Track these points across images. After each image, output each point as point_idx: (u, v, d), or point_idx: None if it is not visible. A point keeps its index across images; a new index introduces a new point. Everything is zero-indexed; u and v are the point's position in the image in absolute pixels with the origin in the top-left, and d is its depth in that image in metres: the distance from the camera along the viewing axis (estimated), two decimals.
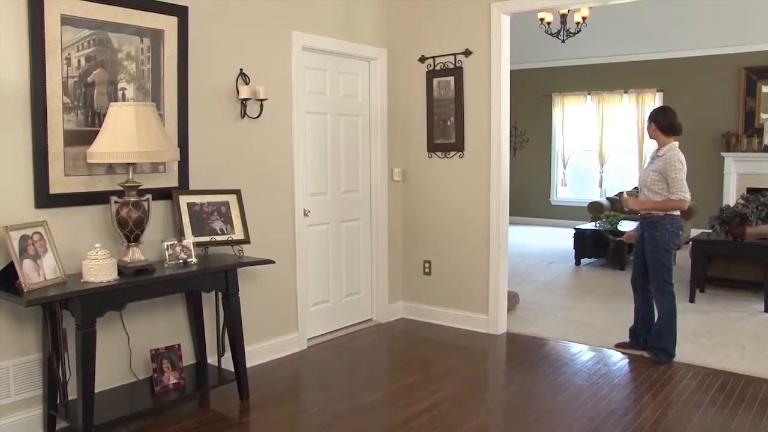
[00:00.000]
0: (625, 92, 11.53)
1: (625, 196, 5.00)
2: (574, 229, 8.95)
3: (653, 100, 11.22)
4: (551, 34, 8.65)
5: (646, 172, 4.87)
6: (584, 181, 12.39)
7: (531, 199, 12.51)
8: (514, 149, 11.72)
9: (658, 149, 4.80)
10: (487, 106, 5.41)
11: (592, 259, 8.86)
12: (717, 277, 7.02)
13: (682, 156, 4.71)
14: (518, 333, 5.54)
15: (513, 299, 6.18)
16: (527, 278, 7.74)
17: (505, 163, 5.47)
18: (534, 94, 12.20)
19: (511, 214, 5.71)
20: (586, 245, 8.71)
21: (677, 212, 4.74)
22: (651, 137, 4.93)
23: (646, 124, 4.97)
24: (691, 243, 6.92)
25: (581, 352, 5.03)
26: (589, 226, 9.07)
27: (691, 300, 6.51)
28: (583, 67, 11.78)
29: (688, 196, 4.62)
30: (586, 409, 3.94)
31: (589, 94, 11.96)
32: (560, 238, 10.59)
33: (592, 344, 5.20)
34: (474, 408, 4.04)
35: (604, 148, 11.93)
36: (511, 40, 5.46)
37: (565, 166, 12.52)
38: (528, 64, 11.75)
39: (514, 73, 5.55)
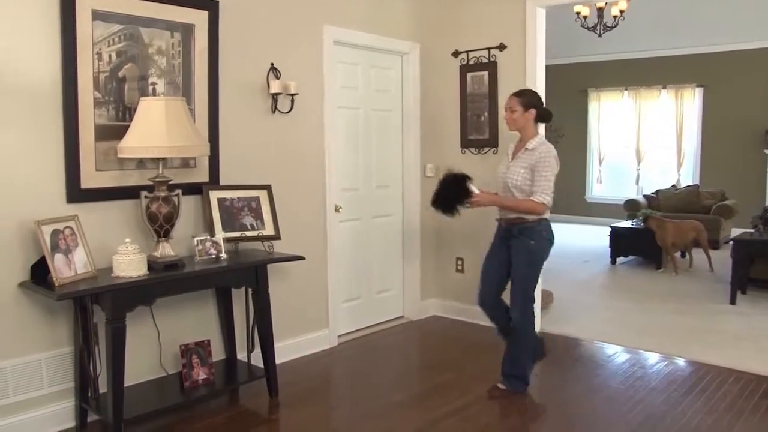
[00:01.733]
0: (664, 88, 11.28)
1: (477, 192, 4.03)
2: (610, 227, 8.79)
3: (693, 96, 10.97)
4: (588, 28, 8.48)
5: (512, 169, 4.01)
6: (621, 178, 12.15)
7: (566, 196, 12.24)
8: None
9: (526, 141, 4.01)
10: None
11: (629, 258, 8.68)
12: (760, 278, 6.80)
13: (556, 152, 4.01)
14: (552, 332, 5.43)
15: (547, 298, 6.06)
16: (562, 276, 7.60)
17: None
18: (569, 90, 11.99)
19: None
20: (622, 244, 8.54)
21: (546, 215, 4.04)
22: (517, 127, 4.05)
23: (506, 110, 4.07)
24: (732, 243, 6.71)
25: (617, 354, 4.90)
26: (626, 224, 8.89)
27: (732, 302, 6.32)
28: (621, 62, 11.54)
29: (550, 201, 3.90)
30: (622, 413, 3.83)
31: (626, 89, 11.72)
32: (595, 236, 10.39)
33: (628, 345, 5.07)
34: (506, 410, 3.96)
35: (642, 144, 11.69)
36: (546, 34, 5.35)
37: (600, 162, 12.30)
38: (563, 59, 11.54)
39: (548, 69, 5.42)
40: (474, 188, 4.02)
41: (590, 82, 12.10)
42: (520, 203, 3.95)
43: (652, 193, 10.59)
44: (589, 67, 11.99)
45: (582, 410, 3.92)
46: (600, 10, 8.25)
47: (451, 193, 4.07)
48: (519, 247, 3.99)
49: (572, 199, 12.42)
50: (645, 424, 3.67)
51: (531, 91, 4.19)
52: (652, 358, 4.80)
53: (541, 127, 4.26)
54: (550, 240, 4.04)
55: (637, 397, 4.04)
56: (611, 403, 3.99)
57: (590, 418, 3.82)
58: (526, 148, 3.99)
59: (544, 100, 5.26)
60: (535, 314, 4.14)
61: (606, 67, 11.78)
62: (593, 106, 12.24)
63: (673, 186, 10.76)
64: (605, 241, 8.86)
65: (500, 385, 4.14)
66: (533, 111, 4.00)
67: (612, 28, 8.35)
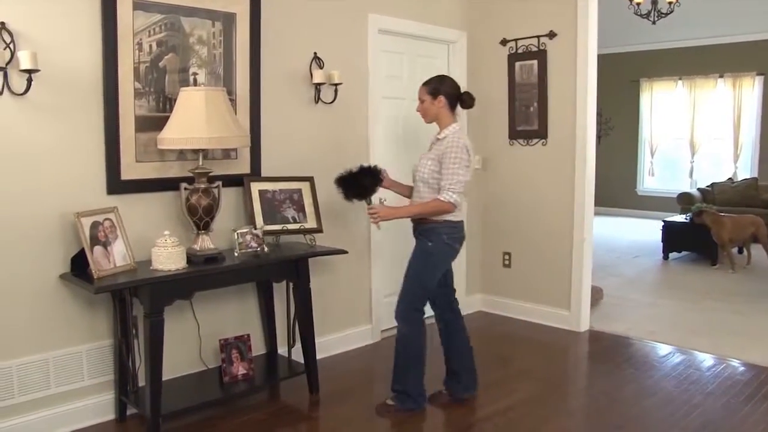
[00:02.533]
0: (721, 77, 10.84)
1: (373, 204, 3.73)
2: (663, 221, 8.50)
3: (752, 85, 10.53)
4: (641, 15, 8.18)
5: (421, 161, 3.69)
6: (673, 170, 11.77)
7: (616, 188, 11.96)
8: (598, 137, 11.23)
9: (439, 132, 3.69)
10: (573, 92, 5.12)
11: (682, 254, 8.38)
12: None
13: (469, 143, 3.62)
14: (602, 331, 5.25)
15: (596, 294, 5.87)
16: (612, 272, 7.38)
17: (591, 152, 5.16)
18: (620, 80, 11.62)
19: (594, 204, 5.39)
20: (675, 238, 8.25)
21: (456, 217, 3.62)
22: (430, 118, 3.71)
23: (420, 99, 3.72)
24: None
25: (670, 354, 4.69)
26: (679, 218, 8.59)
27: None
28: (675, 50, 11.13)
29: (457, 198, 3.49)
30: (677, 418, 3.64)
31: (680, 79, 11.33)
32: (647, 231, 10.10)
33: (681, 346, 4.84)
34: (553, 410, 3.81)
35: (696, 136, 11.28)
36: (598, 22, 5.13)
37: (653, 154, 11.93)
38: (614, 48, 11.19)
39: (599, 58, 5.21)
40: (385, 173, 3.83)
41: (642, 72, 11.73)
42: (425, 207, 3.58)
43: (707, 186, 10.22)
44: (641, 56, 11.61)
45: (634, 413, 3.74)
46: None
47: (361, 183, 3.77)
48: (416, 248, 3.70)
49: (623, 191, 12.09)
50: (702, 431, 3.48)
51: (439, 76, 3.80)
52: (708, 360, 4.57)
53: (463, 117, 3.85)
54: (450, 245, 3.65)
55: (694, 402, 3.84)
56: (666, 407, 3.79)
57: (643, 421, 3.64)
58: (438, 138, 3.68)
59: (594, 90, 5.12)
60: (423, 324, 3.71)
61: (659, 55, 11.39)
62: (645, 97, 11.87)
63: (730, 179, 10.38)
64: (657, 235, 8.58)
65: (389, 401, 3.80)
66: (442, 98, 3.64)
67: (667, 14, 8.05)
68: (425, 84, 3.73)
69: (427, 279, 3.67)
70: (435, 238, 3.61)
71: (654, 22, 8.15)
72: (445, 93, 3.67)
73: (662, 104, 11.71)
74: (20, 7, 3.15)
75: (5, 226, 3.20)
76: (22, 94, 3.16)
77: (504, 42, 5.50)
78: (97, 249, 3.24)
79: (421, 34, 5.17)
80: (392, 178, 3.98)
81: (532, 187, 5.43)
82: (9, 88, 3.14)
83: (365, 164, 3.88)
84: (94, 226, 3.27)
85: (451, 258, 3.74)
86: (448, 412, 3.82)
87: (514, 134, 5.51)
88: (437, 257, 3.66)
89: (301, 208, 4.12)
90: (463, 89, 3.79)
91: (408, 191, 3.92)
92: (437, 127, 3.74)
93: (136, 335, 3.54)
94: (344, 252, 4.12)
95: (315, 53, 4.42)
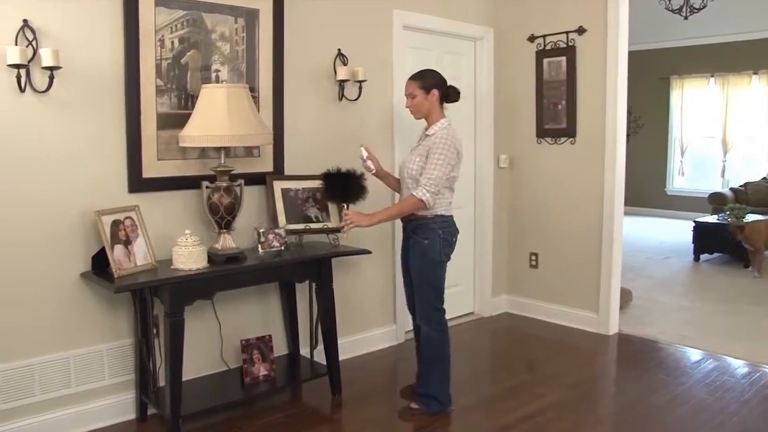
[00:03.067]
0: (755, 73, 10.58)
1: (364, 155, 3.76)
2: (694, 222, 8.30)
3: None
4: (672, 11, 8.00)
5: (410, 158, 3.59)
6: (704, 170, 11.52)
7: (645, 188, 11.75)
8: (627, 135, 11.05)
9: (429, 127, 3.60)
10: (602, 89, 4.99)
11: (713, 255, 8.19)
12: None
13: (459, 140, 3.54)
14: (631, 334, 5.12)
15: (625, 296, 5.73)
16: (641, 273, 7.22)
17: (621, 151, 5.04)
18: (650, 77, 11.40)
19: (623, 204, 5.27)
20: (706, 240, 8.05)
21: (448, 212, 3.58)
22: (421, 113, 3.60)
23: (407, 98, 3.63)
24: None
25: (703, 360, 4.55)
26: (711, 219, 8.39)
27: None
28: (707, 46, 10.88)
29: (430, 198, 3.39)
30: (712, 427, 3.51)
31: (712, 76, 11.08)
32: (676, 231, 9.91)
33: (714, 351, 4.70)
34: (582, 417, 3.70)
35: (729, 134, 11.04)
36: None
37: (683, 153, 11.70)
38: (644, 45, 10.97)
39: (628, 55, 5.08)
40: (364, 152, 3.79)
41: (673, 69, 11.50)
42: (401, 208, 3.54)
43: (740, 186, 10.00)
44: (671, 53, 11.38)
45: (667, 421, 3.61)
46: None
47: (346, 186, 3.78)
48: (414, 249, 3.59)
49: (652, 191, 11.87)
50: None
51: (428, 70, 3.69)
52: (743, 367, 4.42)
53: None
54: (446, 239, 3.57)
55: (729, 410, 3.70)
56: (700, 415, 3.66)
57: (675, 431, 3.52)
58: (427, 135, 3.59)
59: (624, 87, 4.99)
60: (445, 324, 3.66)
61: (691, 52, 11.15)
62: (675, 94, 11.64)
63: (764, 178, 10.13)
64: (687, 236, 8.40)
65: (414, 405, 3.72)
66: (435, 92, 3.55)
67: (699, 9, 7.85)
68: (415, 78, 3.61)
69: (434, 277, 3.59)
70: (430, 235, 3.53)
71: (686, 18, 7.96)
72: (438, 87, 3.57)
73: (693, 102, 11.47)
74: (42, 4, 3.12)
75: (25, 224, 3.18)
76: (44, 92, 3.14)
77: (532, 38, 5.39)
78: (118, 248, 3.21)
79: (446, 31, 5.08)
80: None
81: (560, 186, 5.32)
82: (31, 86, 3.11)
83: (354, 170, 3.85)
84: (115, 224, 3.23)
85: (450, 251, 3.63)
86: (473, 416, 3.74)
87: (542, 132, 5.40)
88: (437, 253, 3.56)
89: (324, 207, 4.05)
90: (449, 83, 3.69)
91: (397, 184, 3.87)
92: (425, 122, 3.68)
93: (157, 335, 3.50)
94: (368, 252, 4.06)
95: (339, 50, 4.35)
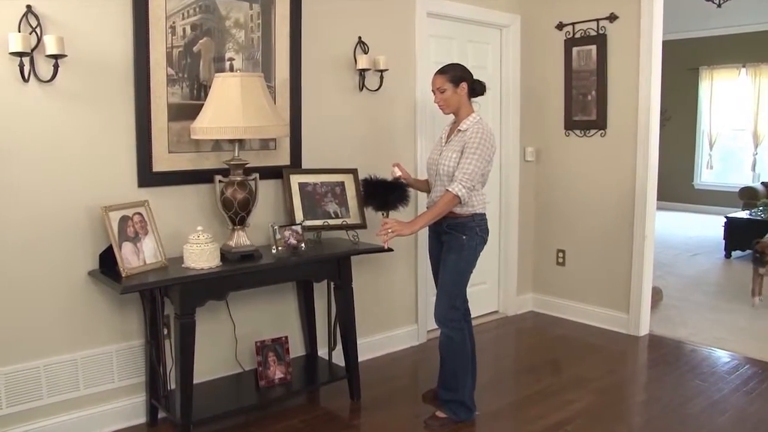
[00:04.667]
0: None
1: (397, 173, 3.58)
2: (726, 217, 8.03)
3: None
4: None
5: (445, 155, 3.42)
6: (733, 163, 11.19)
7: (672, 182, 11.40)
8: None
9: (461, 122, 3.44)
10: (635, 79, 4.77)
11: (746, 252, 7.89)
12: None
13: (493, 135, 3.41)
14: (662, 335, 4.90)
15: (656, 295, 5.50)
16: (671, 271, 6.97)
17: (654, 144, 4.81)
18: (677, 69, 11.01)
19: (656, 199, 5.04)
20: (739, 236, 7.77)
21: (483, 209, 3.46)
22: (451, 108, 3.46)
23: (434, 93, 3.48)
24: None
25: (741, 365, 4.32)
26: (743, 214, 8.11)
27: None
28: (739, 36, 10.52)
29: (465, 193, 3.26)
30: None
31: (743, 66, 10.73)
32: (704, 226, 9.63)
33: (751, 355, 4.47)
34: (613, 426, 3.49)
35: (760, 127, 10.70)
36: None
37: (711, 146, 11.37)
38: (671, 35, 10.56)
39: None
40: (397, 171, 3.57)
41: (702, 60, 11.15)
42: (440, 209, 3.33)
43: None
44: (701, 43, 11.02)
45: (706, 431, 3.41)
46: None
47: (386, 194, 3.60)
48: (450, 244, 3.43)
49: (679, 185, 11.55)
50: None
51: (455, 64, 3.56)
52: None
53: (476, 105, 3.63)
54: (483, 237, 3.47)
55: None
56: (740, 425, 3.44)
57: None
58: (459, 130, 3.43)
59: (658, 77, 4.76)
60: (465, 323, 3.52)
61: (721, 42, 10.80)
62: (704, 86, 11.30)
63: None
64: (715, 231, 8.14)
65: (439, 413, 3.52)
66: (464, 85, 3.43)
67: None
68: (443, 72, 3.47)
69: (467, 275, 3.46)
70: (468, 232, 3.40)
71: (719, 5, 7.66)
72: (467, 79, 3.45)
73: (723, 93, 11.12)
74: None
75: (30, 220, 3.04)
76: (48, 81, 2.99)
77: (560, 26, 5.17)
78: (126, 245, 3.05)
79: (471, 18, 4.87)
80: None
81: (589, 180, 5.10)
82: (36, 75, 2.96)
83: (394, 180, 3.65)
84: (123, 220, 3.08)
85: (480, 250, 3.50)
86: (499, 424, 3.55)
87: (570, 124, 5.18)
88: (474, 251, 3.44)
89: (343, 203, 3.88)
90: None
91: (425, 185, 3.72)
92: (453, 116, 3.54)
93: (168, 335, 3.36)
94: (390, 250, 3.86)
95: (359, 37, 4.17)
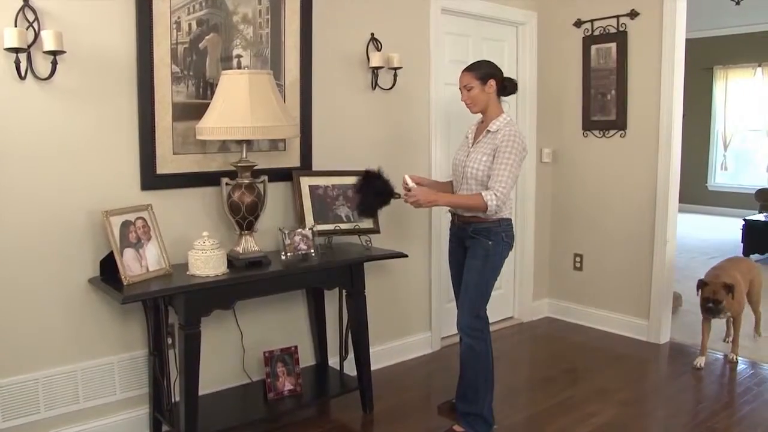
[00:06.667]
0: None
1: (410, 184, 3.26)
2: (744, 219, 7.84)
3: None
4: None
5: (473, 156, 3.28)
6: (748, 164, 10.99)
7: (685, 183, 11.07)
8: None
9: (489, 122, 3.30)
10: (657, 79, 4.60)
11: (765, 255, 7.71)
12: None
13: (524, 136, 3.28)
14: (684, 343, 4.73)
15: (675, 301, 5.33)
16: (688, 275, 6.76)
17: (676, 146, 4.64)
18: (691, 68, 10.61)
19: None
20: (757, 238, 7.58)
21: (510, 215, 3.34)
22: (479, 107, 3.31)
23: (462, 91, 3.32)
24: None
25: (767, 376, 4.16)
26: (761, 217, 7.92)
27: None
28: (755, 34, 10.31)
29: (499, 203, 3.12)
30: None
31: (759, 66, 10.53)
32: (719, 228, 9.43)
33: None
34: None
35: None
36: None
37: (726, 147, 11.18)
38: (686, 34, 10.45)
39: None
40: (409, 180, 3.28)
41: (716, 59, 10.93)
42: (467, 201, 3.23)
43: None
44: (715, 42, 10.80)
45: None
46: None
47: (372, 191, 3.45)
48: (474, 249, 3.29)
49: (693, 187, 11.34)
50: None
51: (483, 60, 3.41)
52: None
53: (506, 105, 3.47)
54: (509, 243, 3.33)
55: None
56: None
57: None
58: (489, 131, 3.27)
59: (681, 76, 4.60)
60: (488, 333, 3.34)
61: (736, 41, 10.59)
62: (719, 86, 11.09)
63: None
64: (730, 234, 7.96)
65: (457, 428, 3.36)
66: (493, 83, 3.27)
67: None
68: (471, 69, 3.31)
69: (492, 282, 3.32)
70: (495, 237, 3.26)
71: (738, 2, 7.48)
72: (496, 77, 3.29)
73: (738, 93, 10.92)
74: None
75: (28, 225, 2.89)
76: (46, 79, 2.84)
77: (578, 23, 5.00)
78: (128, 251, 2.90)
79: (487, 15, 4.71)
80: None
81: (608, 183, 4.94)
82: (33, 72, 2.82)
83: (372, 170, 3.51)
84: (125, 225, 2.93)
85: (506, 256, 3.36)
86: None
87: (589, 125, 5.02)
88: (499, 257, 3.31)
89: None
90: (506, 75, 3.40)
91: (449, 187, 3.53)
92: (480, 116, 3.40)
93: (172, 345, 3.21)
94: (404, 255, 3.71)
95: (372, 34, 4.02)
